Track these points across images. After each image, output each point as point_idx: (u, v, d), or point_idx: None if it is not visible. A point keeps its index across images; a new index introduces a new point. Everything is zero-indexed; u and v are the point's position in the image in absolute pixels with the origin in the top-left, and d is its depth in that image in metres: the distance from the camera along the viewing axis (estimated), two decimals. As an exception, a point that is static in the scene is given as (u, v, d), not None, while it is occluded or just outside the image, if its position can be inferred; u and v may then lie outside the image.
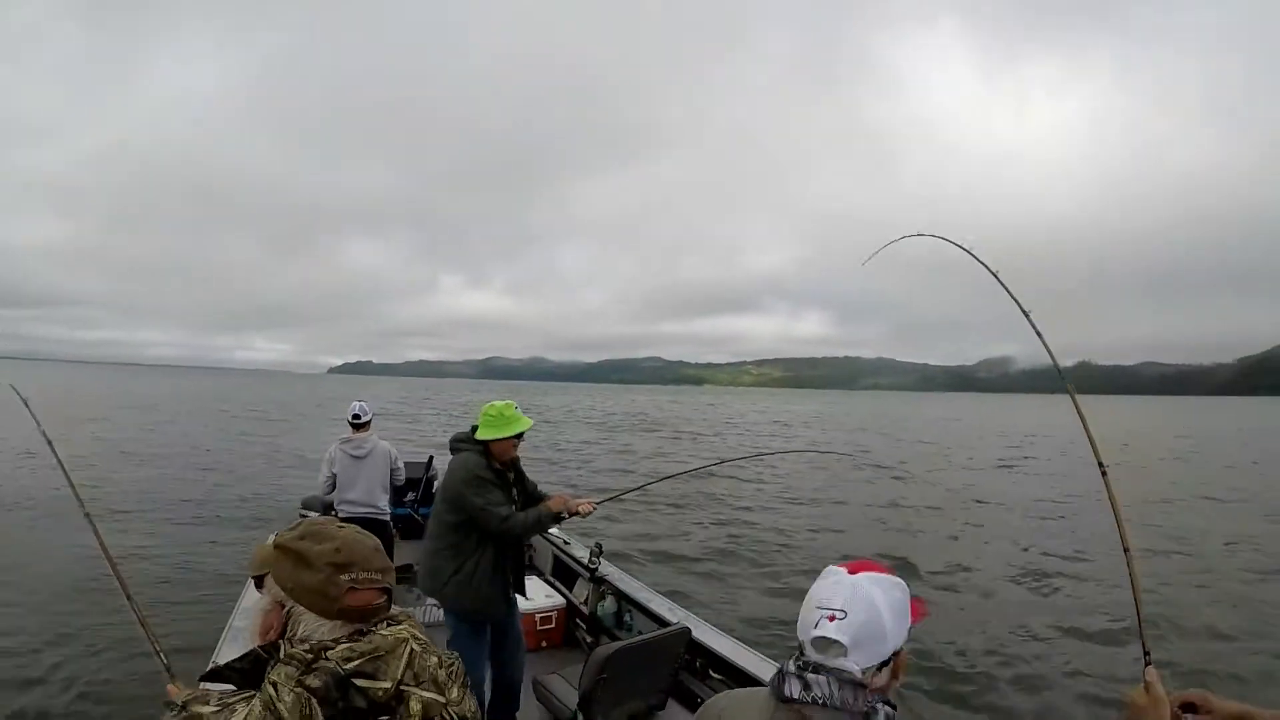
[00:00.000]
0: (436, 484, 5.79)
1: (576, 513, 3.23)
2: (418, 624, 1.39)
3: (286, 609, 1.34)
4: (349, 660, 1.22)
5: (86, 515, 2.28)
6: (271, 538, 1.41)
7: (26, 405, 2.88)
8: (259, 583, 1.38)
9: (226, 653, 3.18)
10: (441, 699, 1.30)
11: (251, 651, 1.34)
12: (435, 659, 1.34)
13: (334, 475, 5.00)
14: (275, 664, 1.24)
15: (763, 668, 3.30)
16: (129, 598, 2.01)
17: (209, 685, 1.40)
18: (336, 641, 1.26)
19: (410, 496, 6.36)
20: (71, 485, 2.45)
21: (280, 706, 1.16)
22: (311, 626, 1.30)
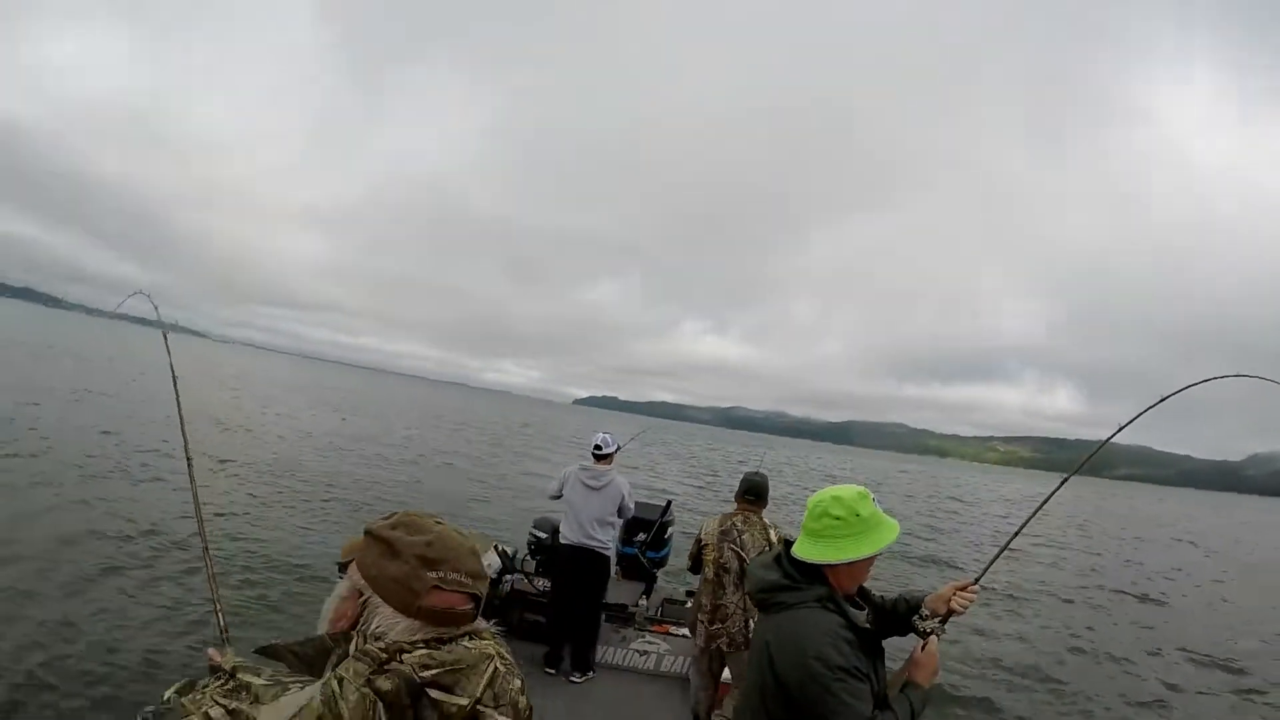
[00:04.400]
0: (670, 530, 6.26)
1: (954, 611, 2.15)
2: (503, 642, 1.26)
3: (364, 599, 1.20)
4: (427, 668, 1.10)
5: (188, 459, 2.24)
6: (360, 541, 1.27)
7: (174, 381, 2.60)
8: (343, 568, 1.26)
9: None
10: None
11: (317, 638, 1.22)
12: (519, 683, 1.22)
13: (562, 493, 5.00)
14: (343, 657, 1.14)
15: None
16: (205, 550, 1.91)
17: (262, 661, 1.28)
18: (414, 645, 1.14)
19: (641, 537, 6.14)
20: (185, 439, 2.28)
21: (342, 704, 1.07)
22: (387, 622, 1.17)
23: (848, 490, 1.97)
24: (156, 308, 3.07)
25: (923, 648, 2.10)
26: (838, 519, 1.90)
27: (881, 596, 2.26)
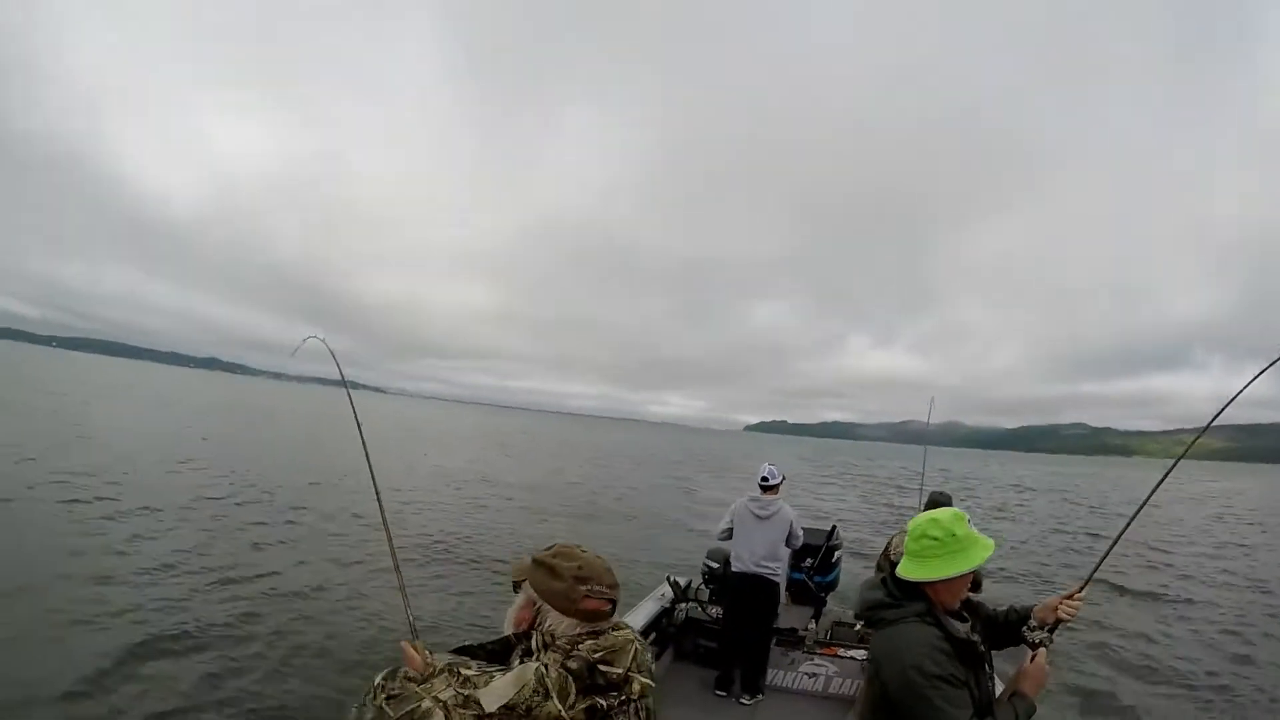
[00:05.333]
0: (837, 555, 6.39)
1: (1061, 621, 2.21)
2: (634, 630, 1.77)
3: (537, 607, 1.75)
4: (596, 652, 1.64)
5: (377, 495, 2.44)
6: (527, 556, 1.84)
7: (359, 428, 2.89)
8: (516, 586, 1.84)
9: None
10: (653, 684, 1.71)
11: (504, 637, 1.77)
12: (649, 655, 1.75)
13: (731, 527, 5.23)
14: (526, 651, 1.67)
15: None
16: (396, 567, 2.19)
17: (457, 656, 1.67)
18: (579, 638, 1.67)
19: (808, 563, 6.33)
20: (371, 473, 2.49)
21: (548, 680, 1.54)
22: (555, 622, 1.72)
23: (945, 513, 2.12)
24: (333, 353, 3.18)
25: (1031, 659, 2.17)
26: (935, 539, 2.05)
27: (994, 608, 2.37)
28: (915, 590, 2.08)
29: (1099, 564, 2.44)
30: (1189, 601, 11.11)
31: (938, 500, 4.35)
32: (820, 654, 5.36)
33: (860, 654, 5.18)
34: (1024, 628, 2.27)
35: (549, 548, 1.81)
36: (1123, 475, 74.77)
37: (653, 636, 5.31)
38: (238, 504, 12.69)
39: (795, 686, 5.15)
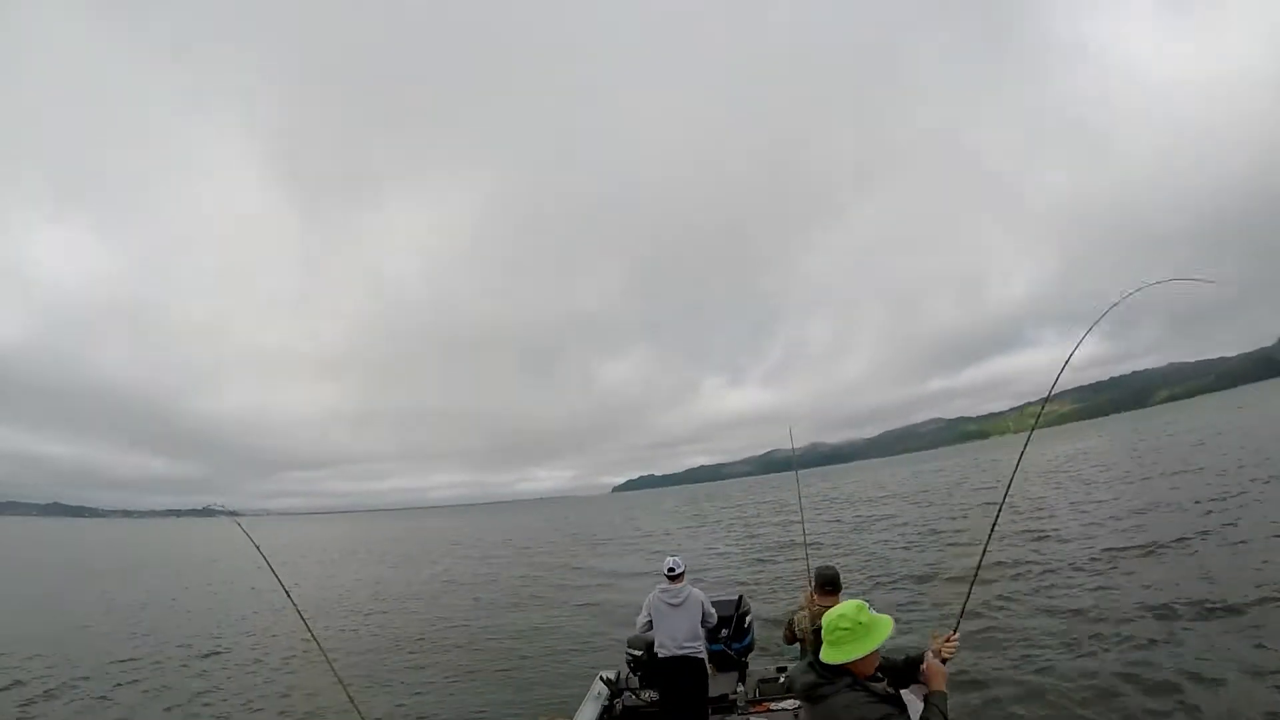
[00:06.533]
0: (749, 619, 6.88)
1: (946, 659, 2.87)
2: None
3: None
4: None
5: (300, 614, 3.26)
6: None
7: (255, 545, 3.64)
8: None
9: None
10: None
11: None
12: None
13: (650, 620, 5.72)
14: None
15: None
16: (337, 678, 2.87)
17: None
18: None
19: (724, 633, 6.77)
20: (297, 609, 3.26)
21: None
22: None
23: (849, 606, 2.67)
24: (249, 537, 3.61)
25: (926, 663, 2.79)
26: (846, 629, 2.59)
27: (893, 659, 2.91)
28: (839, 668, 2.60)
29: (965, 601, 3.05)
30: (1052, 572, 12.09)
31: (827, 575, 4.94)
32: (753, 712, 5.81)
33: (790, 704, 5.66)
34: (919, 668, 2.85)
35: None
36: (977, 458, 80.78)
37: None
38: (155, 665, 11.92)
39: None
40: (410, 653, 12.88)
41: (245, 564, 34.25)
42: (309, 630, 3.39)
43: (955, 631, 2.94)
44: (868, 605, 2.70)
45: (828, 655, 2.62)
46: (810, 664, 2.75)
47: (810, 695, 2.68)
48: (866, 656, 2.59)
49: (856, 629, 2.58)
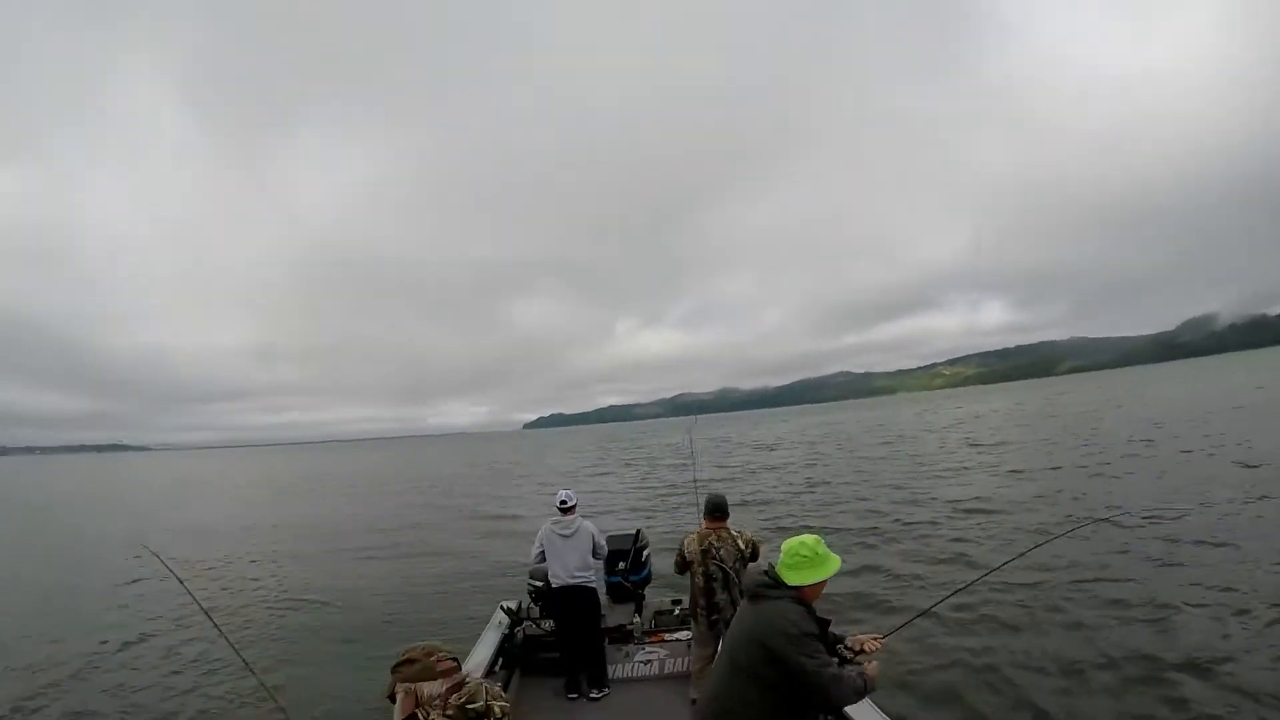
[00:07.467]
0: (646, 553, 7.02)
1: (867, 652, 3.16)
2: (479, 676, 2.90)
3: (413, 694, 2.60)
4: (461, 699, 2.61)
5: (184, 584, 3.33)
6: (390, 679, 2.65)
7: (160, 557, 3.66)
8: (392, 698, 2.63)
9: None
10: (507, 703, 2.71)
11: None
12: (498, 685, 2.93)
13: (543, 551, 5.88)
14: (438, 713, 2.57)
15: None
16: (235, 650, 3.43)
17: None
18: (445, 694, 2.62)
19: (621, 566, 6.95)
20: (181, 582, 3.36)
21: None
22: (428, 693, 2.60)
23: (809, 537, 2.91)
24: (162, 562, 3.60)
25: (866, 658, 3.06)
26: (805, 556, 2.83)
27: (835, 634, 3.18)
28: (794, 590, 2.81)
29: (913, 618, 3.27)
30: (925, 538, 12.17)
31: (716, 501, 5.14)
32: (649, 642, 6.14)
33: (684, 635, 5.98)
34: (840, 645, 3.13)
35: (403, 654, 2.63)
36: (877, 414, 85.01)
37: (500, 661, 5.79)
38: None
39: (635, 674, 5.95)
40: (310, 583, 12.89)
41: (150, 500, 33.98)
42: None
43: (886, 636, 3.29)
44: (823, 541, 2.92)
45: (786, 576, 2.83)
46: (766, 571, 2.94)
47: (755, 594, 2.88)
48: (816, 584, 2.83)
49: (814, 558, 2.83)
